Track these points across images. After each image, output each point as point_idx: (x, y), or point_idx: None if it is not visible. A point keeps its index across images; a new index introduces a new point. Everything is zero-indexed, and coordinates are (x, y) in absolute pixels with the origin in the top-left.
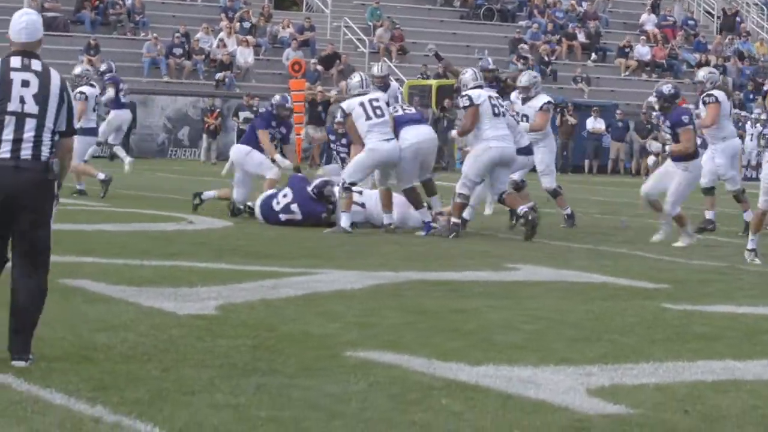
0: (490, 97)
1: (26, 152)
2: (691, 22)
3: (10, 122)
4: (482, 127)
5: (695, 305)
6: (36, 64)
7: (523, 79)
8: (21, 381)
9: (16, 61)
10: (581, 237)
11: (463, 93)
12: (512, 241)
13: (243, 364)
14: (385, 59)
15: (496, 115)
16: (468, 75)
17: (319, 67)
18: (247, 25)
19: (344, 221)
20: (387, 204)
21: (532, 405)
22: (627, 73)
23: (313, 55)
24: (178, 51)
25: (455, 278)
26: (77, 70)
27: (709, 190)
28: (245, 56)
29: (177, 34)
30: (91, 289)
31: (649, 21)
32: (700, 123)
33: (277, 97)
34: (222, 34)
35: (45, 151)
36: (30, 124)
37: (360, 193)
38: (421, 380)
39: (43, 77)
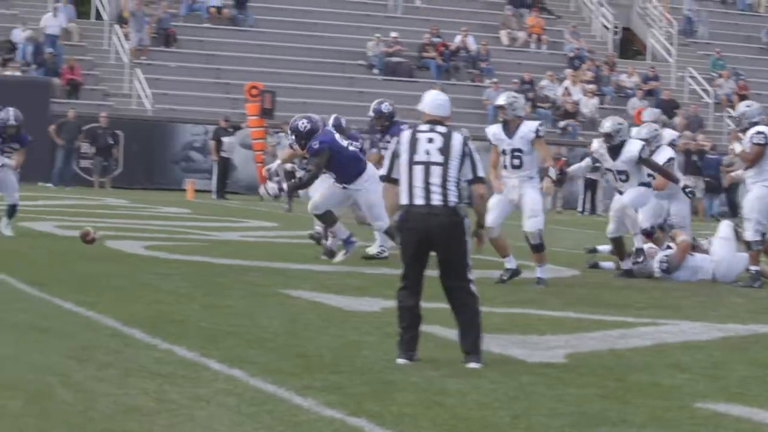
0: None
1: (436, 198)
2: None
3: (418, 171)
4: (764, 167)
5: None
6: (441, 128)
7: None
8: (373, 425)
9: (424, 127)
10: None
11: (760, 129)
12: None
13: (593, 413)
14: (729, 110)
15: None
16: (755, 109)
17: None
18: (591, 73)
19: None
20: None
21: None
22: None
23: (657, 105)
24: None
25: None
26: None
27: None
28: (589, 105)
29: (515, 81)
30: (442, 335)
31: None
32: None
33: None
34: (566, 83)
35: (452, 197)
36: (436, 171)
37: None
38: None
39: (446, 136)
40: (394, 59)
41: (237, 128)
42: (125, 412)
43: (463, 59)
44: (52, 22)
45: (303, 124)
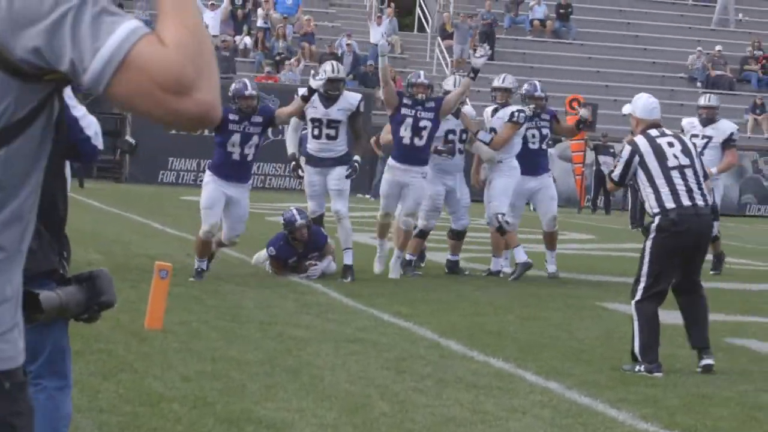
0: None
1: (699, 200)
2: None
3: (675, 176)
4: None
5: None
6: (667, 131)
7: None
8: None
9: (653, 132)
10: None
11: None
12: None
13: None
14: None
15: None
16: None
17: None
18: None
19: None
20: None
21: None
22: None
23: None
24: None
25: None
26: None
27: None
28: None
29: None
30: (756, 349)
31: None
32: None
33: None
34: None
35: (708, 195)
36: (689, 173)
37: None
38: None
39: (678, 137)
40: (717, 73)
41: (556, 141)
42: (441, 423)
43: None
44: (376, 31)
45: None
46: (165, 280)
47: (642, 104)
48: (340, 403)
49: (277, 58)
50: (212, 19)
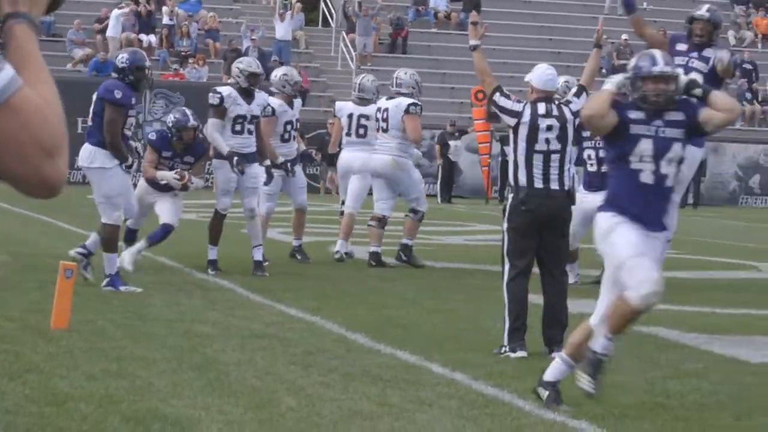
0: None
1: (554, 184)
2: None
3: (537, 160)
4: None
5: None
6: (555, 109)
7: None
8: (594, 427)
9: (542, 108)
10: None
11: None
12: None
13: None
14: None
15: None
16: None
17: None
18: None
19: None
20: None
21: None
22: None
23: None
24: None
25: None
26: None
27: None
28: None
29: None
30: (664, 336)
31: None
32: None
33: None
34: None
35: (567, 180)
36: (554, 158)
37: None
38: None
39: (562, 120)
40: (621, 61)
41: (463, 132)
42: (348, 417)
43: None
44: (281, 27)
45: None
46: (70, 280)
47: (539, 74)
48: (246, 399)
49: (183, 54)
50: (116, 19)
